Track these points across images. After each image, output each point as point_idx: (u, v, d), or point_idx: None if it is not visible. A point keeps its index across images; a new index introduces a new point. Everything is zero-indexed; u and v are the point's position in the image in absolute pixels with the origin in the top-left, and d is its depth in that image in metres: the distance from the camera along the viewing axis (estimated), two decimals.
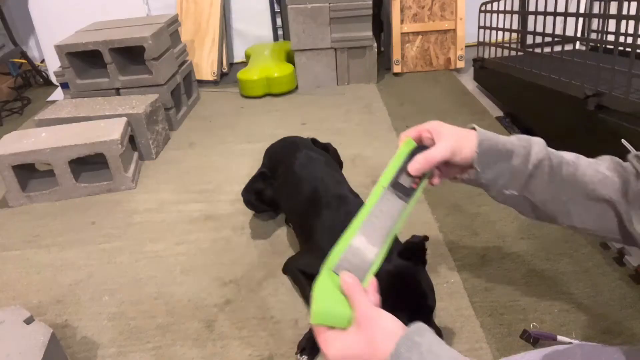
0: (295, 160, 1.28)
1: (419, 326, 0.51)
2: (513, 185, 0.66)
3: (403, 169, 0.64)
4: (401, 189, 0.63)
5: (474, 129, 0.68)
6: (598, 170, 0.66)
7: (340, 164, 1.46)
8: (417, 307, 0.90)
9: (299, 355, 1.00)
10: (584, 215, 0.66)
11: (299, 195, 1.19)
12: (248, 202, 1.39)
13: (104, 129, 1.69)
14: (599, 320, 1.02)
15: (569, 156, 0.67)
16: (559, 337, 0.96)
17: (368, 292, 0.54)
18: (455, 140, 0.65)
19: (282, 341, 1.04)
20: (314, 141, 1.46)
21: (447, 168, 0.68)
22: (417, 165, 0.63)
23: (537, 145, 0.66)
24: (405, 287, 0.90)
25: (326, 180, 1.19)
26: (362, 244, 0.58)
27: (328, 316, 0.54)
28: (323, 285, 0.55)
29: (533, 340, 0.96)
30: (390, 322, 0.52)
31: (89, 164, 1.76)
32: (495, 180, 0.67)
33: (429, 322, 0.93)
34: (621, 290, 1.09)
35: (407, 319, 0.57)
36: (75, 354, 1.06)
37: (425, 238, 0.93)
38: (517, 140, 0.67)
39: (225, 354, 1.03)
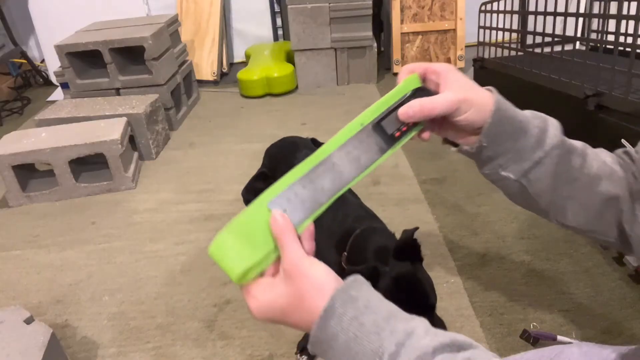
0: (295, 160, 1.27)
1: (356, 278, 0.46)
2: (513, 168, 0.57)
3: (392, 110, 0.53)
4: (382, 133, 0.52)
5: (491, 91, 0.57)
6: (605, 162, 0.59)
7: None
8: (420, 308, 0.90)
9: (298, 355, 1.00)
10: (580, 213, 0.60)
11: None
12: (248, 202, 1.39)
13: (104, 129, 1.69)
14: (599, 320, 1.02)
15: (577, 144, 0.59)
16: (559, 337, 0.96)
17: (302, 239, 0.48)
18: (465, 94, 0.53)
19: (282, 341, 1.04)
20: (313, 141, 1.46)
21: (443, 125, 0.57)
22: (411, 111, 0.52)
23: (552, 127, 0.57)
24: (406, 291, 0.90)
25: None
26: (311, 185, 0.49)
27: (242, 254, 0.47)
28: (248, 219, 0.47)
29: (533, 340, 0.96)
30: (323, 273, 0.45)
31: (89, 164, 1.76)
32: (495, 157, 0.57)
33: (432, 318, 0.93)
34: (621, 290, 1.09)
35: None
36: (75, 354, 1.06)
37: (415, 229, 0.92)
38: (532, 117, 0.57)
39: (225, 354, 1.03)
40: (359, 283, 0.46)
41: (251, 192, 1.38)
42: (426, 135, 0.57)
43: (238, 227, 0.47)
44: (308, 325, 0.45)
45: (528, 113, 0.58)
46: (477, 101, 0.54)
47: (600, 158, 0.60)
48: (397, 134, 0.53)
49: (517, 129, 0.55)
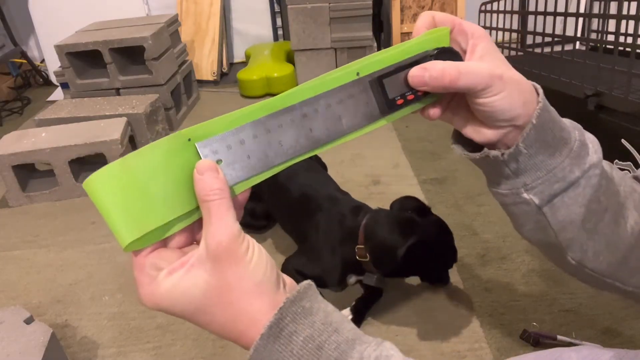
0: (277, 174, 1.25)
1: (311, 285, 0.35)
2: (539, 190, 0.44)
3: (402, 69, 0.39)
4: (380, 93, 0.39)
5: (536, 89, 0.44)
6: (634, 189, 0.48)
7: (323, 166, 1.45)
8: (452, 247, 1.02)
9: None
10: (603, 253, 0.47)
11: (289, 206, 1.18)
12: (246, 225, 1.37)
13: (104, 129, 1.69)
14: (599, 320, 1.02)
15: (607, 165, 0.47)
16: (559, 337, 0.96)
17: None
18: (502, 70, 0.40)
19: None
20: None
21: (457, 108, 0.44)
22: (427, 75, 0.39)
23: (591, 142, 0.45)
24: (446, 232, 1.00)
25: (313, 185, 1.19)
26: (266, 136, 0.36)
27: (144, 206, 0.32)
28: (161, 158, 0.33)
29: (533, 340, 0.96)
30: (265, 266, 0.34)
31: (89, 164, 1.76)
32: (520, 173, 0.43)
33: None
34: None
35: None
36: (75, 354, 1.06)
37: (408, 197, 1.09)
38: (571, 126, 0.45)
39: (225, 354, 1.03)
40: (313, 291, 0.35)
41: (245, 215, 1.35)
42: (435, 112, 0.43)
43: (143, 163, 0.32)
44: (232, 335, 0.34)
45: (568, 122, 0.46)
46: (514, 86, 0.41)
47: (629, 182, 0.48)
48: (400, 100, 0.40)
49: (559, 138, 0.43)
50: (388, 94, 0.39)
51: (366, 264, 0.98)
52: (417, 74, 0.39)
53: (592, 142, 0.45)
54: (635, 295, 0.51)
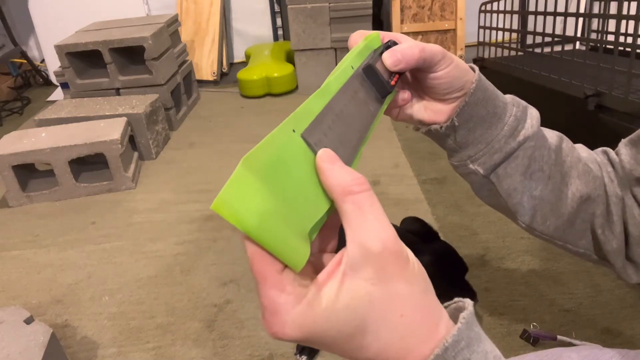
0: None
1: (472, 307, 0.31)
2: (482, 161, 0.51)
3: (374, 61, 0.43)
4: (376, 79, 0.42)
5: (472, 69, 0.50)
6: (580, 159, 0.54)
7: None
8: (460, 272, 1.03)
9: (298, 355, 1.00)
10: (549, 217, 0.54)
11: None
12: None
13: (104, 129, 1.69)
14: (599, 320, 1.02)
15: (552, 139, 0.54)
16: (559, 337, 0.96)
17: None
18: (443, 49, 0.47)
19: (282, 341, 1.04)
20: None
21: (416, 91, 0.51)
22: (399, 54, 0.43)
23: (531, 117, 0.51)
24: (449, 260, 1.00)
25: None
26: (338, 123, 0.34)
27: (287, 217, 0.27)
28: (278, 155, 0.28)
29: (533, 340, 0.96)
30: (426, 273, 0.30)
31: (89, 164, 1.76)
32: (464, 146, 0.51)
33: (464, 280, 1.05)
34: (621, 290, 1.09)
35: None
36: (75, 354, 1.06)
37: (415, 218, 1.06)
38: (511, 104, 0.51)
39: (225, 354, 1.03)
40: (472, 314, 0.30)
41: None
42: (406, 95, 0.49)
43: (265, 167, 0.27)
44: (394, 356, 0.28)
45: (509, 98, 0.52)
46: (457, 59, 0.48)
47: (575, 154, 0.54)
48: (393, 81, 0.43)
49: (492, 113, 0.50)
50: (381, 76, 0.42)
51: None
52: (391, 56, 0.44)
53: (532, 117, 0.51)
54: (586, 257, 0.57)
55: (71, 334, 1.11)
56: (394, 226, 1.02)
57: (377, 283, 0.27)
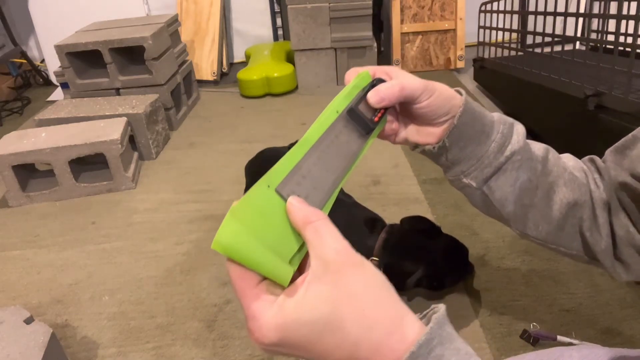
0: None
1: (444, 310, 0.34)
2: (475, 175, 0.57)
3: (360, 100, 0.49)
4: (359, 119, 0.47)
5: (460, 93, 0.55)
6: (566, 168, 0.59)
7: None
8: (466, 263, 1.08)
9: None
10: (541, 223, 0.59)
11: None
12: None
13: (104, 129, 1.69)
14: (599, 320, 1.02)
15: (538, 151, 0.58)
16: (559, 337, 0.96)
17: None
18: (424, 80, 0.52)
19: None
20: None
21: (405, 120, 0.57)
22: (382, 92, 0.49)
23: (517, 133, 0.56)
24: (458, 251, 1.05)
25: None
26: (315, 169, 0.41)
27: (264, 254, 0.35)
28: (256, 206, 0.36)
29: (533, 340, 0.96)
30: (385, 280, 0.34)
31: (89, 164, 1.76)
32: (457, 163, 0.57)
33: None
34: (621, 290, 1.09)
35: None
36: (75, 354, 1.06)
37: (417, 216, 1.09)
38: (498, 122, 0.56)
39: (225, 354, 1.03)
40: (443, 321, 0.33)
41: None
42: (394, 124, 0.55)
43: (250, 214, 0.36)
44: (367, 349, 0.31)
45: (496, 117, 0.57)
46: (440, 88, 0.52)
47: (561, 164, 0.59)
48: (376, 118, 0.49)
49: (480, 132, 0.55)
50: (364, 116, 0.48)
51: None
52: (374, 96, 0.49)
53: (518, 133, 0.56)
54: (578, 258, 0.62)
55: (71, 334, 1.11)
56: (397, 225, 1.03)
57: (337, 285, 0.31)
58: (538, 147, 0.59)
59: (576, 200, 0.58)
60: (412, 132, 0.57)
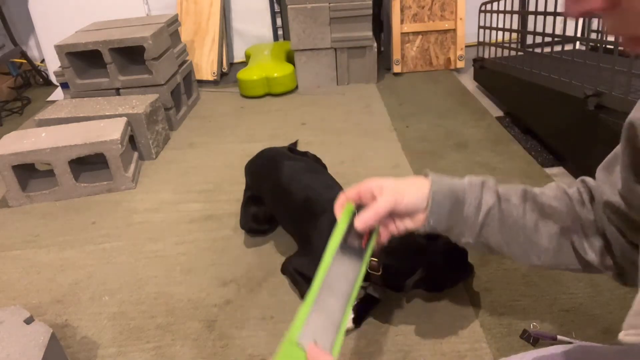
0: (279, 174, 1.25)
1: None
2: (468, 235, 0.67)
3: (350, 231, 0.62)
4: (351, 250, 0.61)
5: (427, 175, 0.67)
6: (544, 207, 0.66)
7: (323, 167, 1.44)
8: (466, 264, 1.08)
9: None
10: (541, 254, 0.66)
11: (292, 208, 1.18)
12: (251, 230, 1.37)
13: (104, 129, 1.69)
14: (599, 320, 1.02)
15: (515, 196, 0.67)
16: (559, 337, 0.96)
17: None
18: (397, 189, 0.63)
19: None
20: (290, 149, 1.43)
21: (398, 221, 0.67)
22: (364, 218, 0.61)
23: (488, 191, 0.66)
24: (458, 254, 1.04)
25: (316, 187, 1.18)
26: (324, 310, 0.54)
27: None
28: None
29: (533, 340, 0.96)
30: None
31: (89, 164, 1.76)
32: (449, 230, 0.67)
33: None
34: (621, 290, 1.09)
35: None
36: (75, 354, 1.06)
37: None
38: (469, 186, 0.66)
39: (225, 354, 1.03)
40: None
41: (249, 220, 1.35)
42: (384, 236, 0.67)
43: None
44: None
45: (466, 182, 0.66)
46: (411, 188, 0.64)
47: (539, 200, 0.66)
48: (363, 244, 0.63)
49: (456, 202, 0.64)
50: (355, 246, 0.62)
51: (374, 276, 0.99)
52: (360, 222, 0.61)
53: (489, 190, 0.66)
54: (591, 269, 0.67)
55: (71, 334, 1.11)
56: None
57: None
58: (515, 192, 0.67)
59: (561, 228, 0.64)
60: (408, 223, 0.67)
